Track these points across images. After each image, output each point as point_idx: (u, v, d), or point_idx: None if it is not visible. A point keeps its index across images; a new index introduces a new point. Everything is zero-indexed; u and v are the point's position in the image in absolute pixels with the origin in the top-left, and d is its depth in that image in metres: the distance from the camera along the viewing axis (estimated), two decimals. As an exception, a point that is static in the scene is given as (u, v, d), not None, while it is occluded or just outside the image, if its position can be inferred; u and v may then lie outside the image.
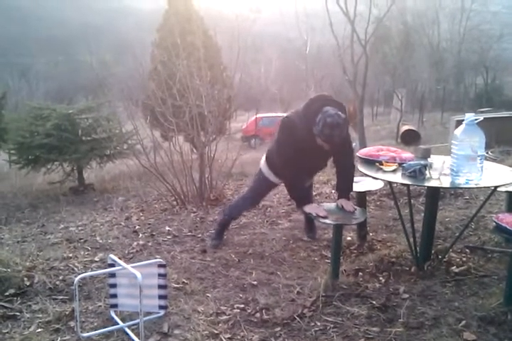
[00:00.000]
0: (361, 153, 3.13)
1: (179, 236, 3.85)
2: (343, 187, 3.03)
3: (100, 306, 2.58)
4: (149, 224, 4.28)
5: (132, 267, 2.23)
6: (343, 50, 9.40)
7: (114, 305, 2.44)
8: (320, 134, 2.70)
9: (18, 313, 2.51)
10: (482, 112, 12.27)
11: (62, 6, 53.96)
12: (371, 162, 2.95)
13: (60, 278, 2.97)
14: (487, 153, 6.82)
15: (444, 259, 2.90)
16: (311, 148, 2.83)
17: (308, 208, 2.84)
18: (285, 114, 3.17)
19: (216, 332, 2.24)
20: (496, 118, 9.13)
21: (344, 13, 8.77)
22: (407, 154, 2.99)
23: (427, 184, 2.51)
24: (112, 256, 2.43)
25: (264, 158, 3.32)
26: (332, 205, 2.97)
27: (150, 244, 3.68)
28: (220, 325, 2.32)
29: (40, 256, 3.41)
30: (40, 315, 2.48)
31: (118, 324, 2.34)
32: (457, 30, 29.23)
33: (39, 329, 2.33)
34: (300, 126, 2.81)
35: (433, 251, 2.93)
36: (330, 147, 2.81)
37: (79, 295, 2.33)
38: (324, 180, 5.66)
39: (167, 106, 4.84)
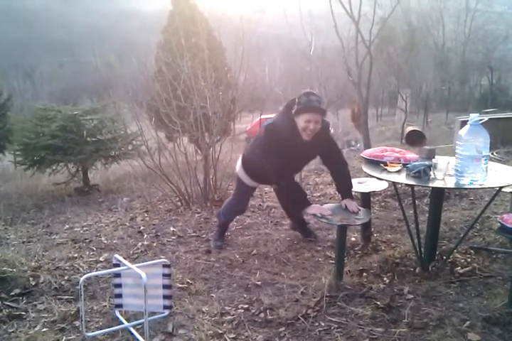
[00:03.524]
0: (366, 153, 3.13)
1: (184, 237, 3.86)
2: (343, 187, 3.05)
3: (105, 306, 2.59)
4: (154, 224, 4.30)
5: (137, 267, 2.24)
6: (347, 51, 9.38)
7: (119, 305, 2.45)
8: (299, 108, 2.75)
9: (23, 313, 2.53)
10: (487, 113, 12.24)
11: (68, 8, 54.25)
12: (376, 163, 2.95)
13: (66, 278, 2.99)
14: (492, 153, 6.81)
15: (449, 260, 2.89)
16: (296, 149, 2.87)
17: (312, 209, 2.84)
18: None
19: (220, 331, 2.25)
20: (501, 118, 9.10)
21: (348, 14, 8.74)
22: (411, 155, 2.99)
23: (431, 184, 2.51)
24: (116, 256, 2.45)
25: (239, 162, 3.33)
26: (335, 206, 2.97)
27: (155, 244, 3.69)
28: (224, 324, 2.33)
29: (45, 256, 3.43)
30: (46, 315, 2.50)
31: (123, 323, 2.36)
32: (462, 31, 29.14)
33: (44, 329, 2.34)
34: (283, 129, 2.83)
35: (437, 252, 2.93)
36: (316, 147, 2.91)
37: (84, 295, 2.35)
38: (328, 181, 5.65)
39: (172, 108, 4.85)
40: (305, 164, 3.30)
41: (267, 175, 3.00)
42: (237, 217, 3.95)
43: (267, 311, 2.43)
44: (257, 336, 2.20)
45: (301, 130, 2.79)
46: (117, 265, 2.42)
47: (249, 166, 3.22)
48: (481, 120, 2.41)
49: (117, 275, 2.43)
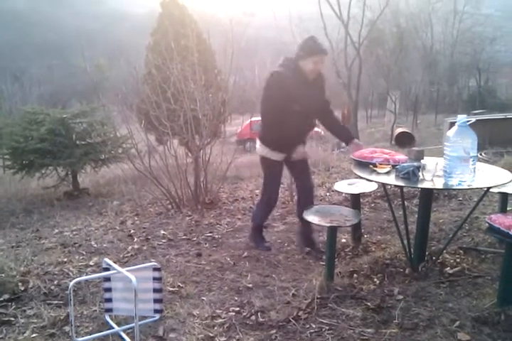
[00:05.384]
0: (355, 155, 3.14)
1: (174, 240, 3.84)
2: (346, 133, 3.44)
3: (95, 310, 2.57)
4: (144, 228, 4.28)
5: (127, 271, 2.23)
6: (336, 53, 9.44)
7: (109, 310, 2.44)
8: (308, 51, 3.02)
9: (12, 318, 2.51)
10: (475, 114, 12.35)
11: (57, 10, 53.87)
12: (365, 164, 2.96)
13: (55, 282, 2.97)
14: (480, 154, 6.87)
15: (438, 260, 2.91)
16: (300, 89, 3.06)
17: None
18: None
19: (212, 335, 2.24)
20: (489, 120, 9.17)
21: (338, 16, 8.81)
22: (400, 156, 3.00)
23: (420, 185, 2.52)
24: (106, 260, 2.43)
25: (258, 144, 3.36)
26: (326, 208, 2.98)
27: (145, 247, 3.67)
28: (215, 328, 2.32)
29: (34, 261, 3.40)
30: (35, 320, 2.47)
31: (113, 328, 2.34)
32: (450, 33, 29.41)
33: (34, 335, 2.32)
34: (288, 72, 3.04)
35: (427, 253, 2.95)
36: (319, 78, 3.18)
37: (74, 300, 2.33)
38: (319, 182, 5.67)
39: (161, 110, 4.84)
40: (311, 111, 3.24)
41: (285, 135, 3.12)
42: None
43: (258, 314, 2.43)
44: (249, 339, 2.20)
45: (309, 71, 3.07)
46: (107, 269, 2.40)
47: (268, 136, 3.26)
48: (468, 121, 2.43)
49: (107, 279, 2.41)
